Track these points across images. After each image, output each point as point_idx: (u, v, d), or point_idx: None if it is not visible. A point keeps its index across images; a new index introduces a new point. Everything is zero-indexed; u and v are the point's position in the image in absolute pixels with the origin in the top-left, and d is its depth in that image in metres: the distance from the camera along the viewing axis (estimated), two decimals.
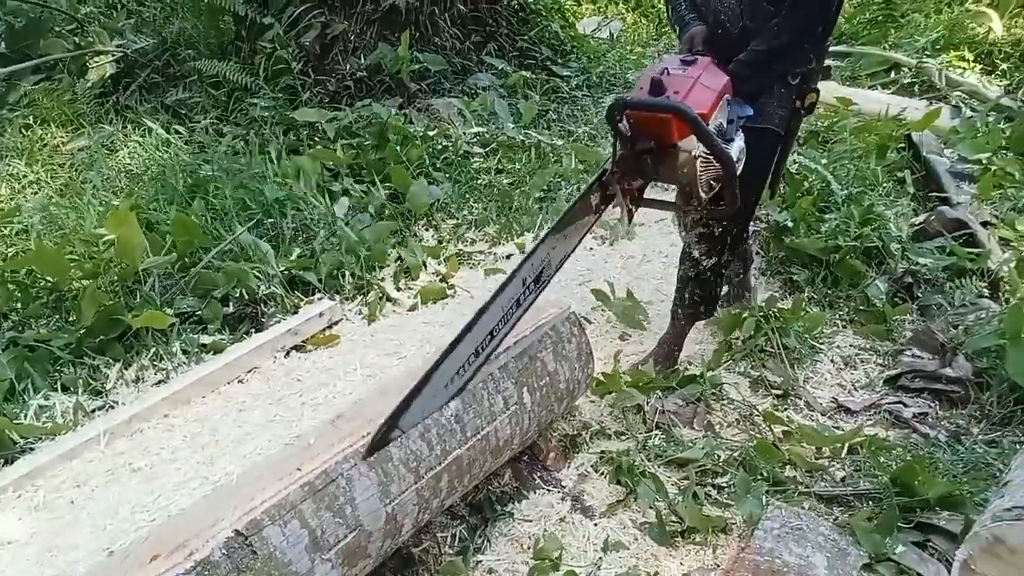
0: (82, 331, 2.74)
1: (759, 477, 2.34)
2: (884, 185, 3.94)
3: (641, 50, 6.45)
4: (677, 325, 2.85)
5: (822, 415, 2.70)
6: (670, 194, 2.67)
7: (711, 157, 2.08)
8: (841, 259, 3.29)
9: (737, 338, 2.96)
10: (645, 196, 2.32)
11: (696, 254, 2.67)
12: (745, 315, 2.96)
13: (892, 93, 5.33)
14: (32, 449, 2.41)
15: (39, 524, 2.05)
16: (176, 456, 2.23)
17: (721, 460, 2.42)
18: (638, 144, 2.13)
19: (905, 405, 2.71)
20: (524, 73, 5.20)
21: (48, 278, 2.93)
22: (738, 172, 2.14)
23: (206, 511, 1.62)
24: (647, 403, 2.63)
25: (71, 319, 2.86)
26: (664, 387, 2.68)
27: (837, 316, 3.18)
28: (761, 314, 2.95)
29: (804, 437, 2.50)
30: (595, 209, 2.22)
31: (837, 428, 2.63)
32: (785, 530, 2.11)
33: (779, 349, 2.91)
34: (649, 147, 2.12)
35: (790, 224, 3.47)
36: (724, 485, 2.35)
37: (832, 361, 2.97)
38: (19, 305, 2.94)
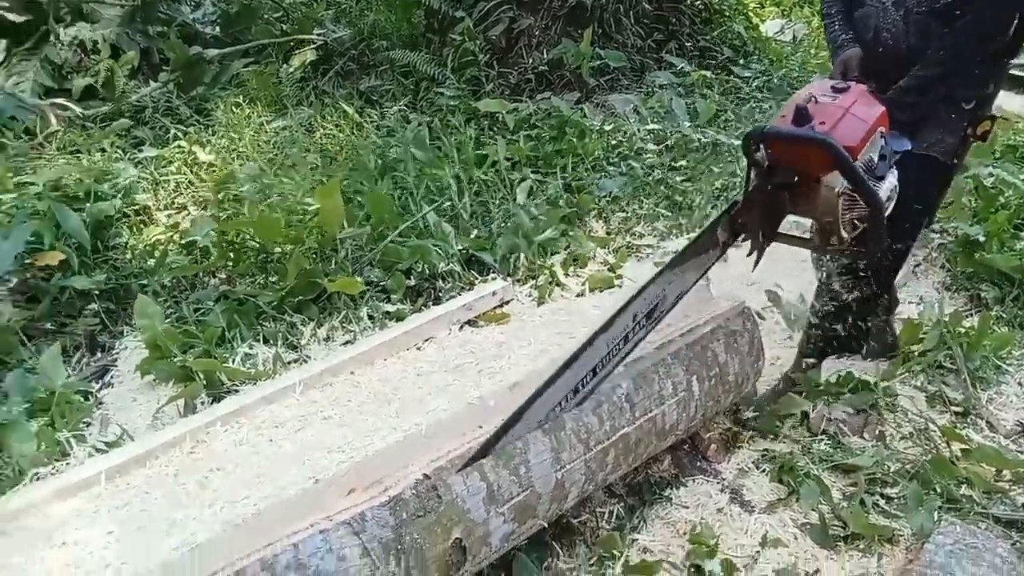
0: (284, 291, 3.02)
1: (932, 492, 2.27)
2: None
3: (825, 54, 6.26)
4: (802, 364, 2.66)
5: (1005, 438, 2.57)
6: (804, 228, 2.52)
7: (856, 195, 1.92)
8: None
9: (915, 351, 2.87)
10: (779, 232, 2.15)
11: (837, 286, 2.48)
12: (927, 327, 2.85)
13: None
14: (237, 391, 2.69)
15: (242, 456, 2.29)
16: (363, 409, 2.43)
17: (891, 471, 2.37)
18: (776, 177, 1.98)
19: None
20: (704, 72, 5.20)
21: (258, 240, 3.25)
22: (887, 213, 1.96)
23: (398, 454, 1.78)
24: (812, 409, 2.60)
25: (274, 279, 3.15)
26: (832, 393, 2.64)
27: None
28: (944, 329, 2.84)
29: (984, 457, 2.39)
30: (721, 244, 2.07)
31: (1021, 453, 2.50)
32: (959, 547, 2.03)
33: (962, 366, 2.79)
34: (787, 181, 1.97)
35: (982, 239, 3.31)
36: (893, 496, 2.30)
37: (1020, 384, 2.81)
38: (231, 263, 3.27)
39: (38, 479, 2.29)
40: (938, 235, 3.66)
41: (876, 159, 1.94)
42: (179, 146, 4.39)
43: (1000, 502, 2.28)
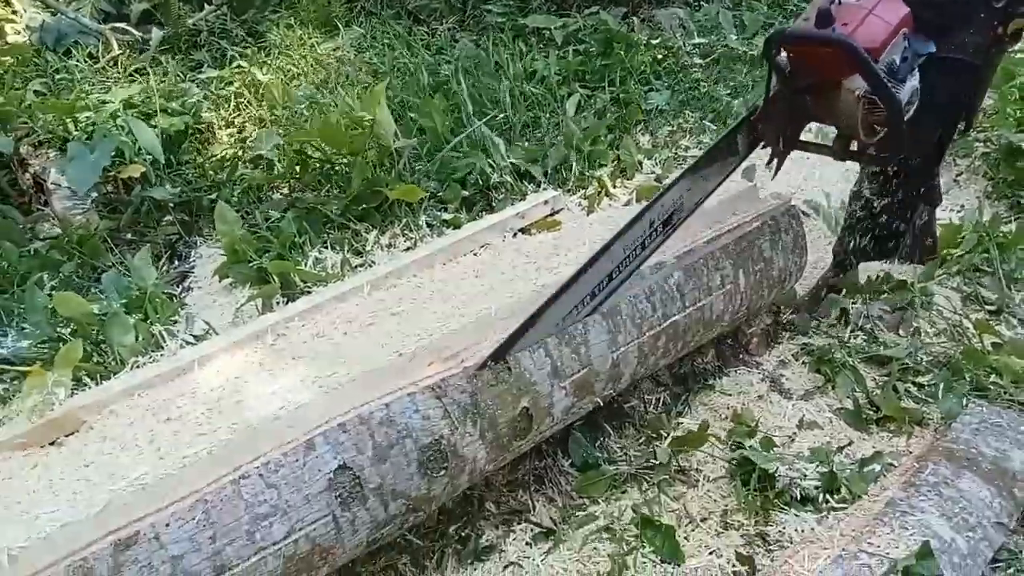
0: (349, 199, 3.20)
1: (962, 380, 2.42)
2: None
3: None
4: (840, 267, 2.74)
5: None
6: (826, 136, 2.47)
7: (876, 98, 1.90)
8: None
9: (952, 253, 2.98)
10: (800, 139, 2.16)
11: (868, 194, 2.53)
12: (965, 230, 2.96)
13: None
14: (309, 292, 2.90)
15: (321, 346, 2.50)
16: (428, 305, 2.60)
17: (924, 362, 2.52)
18: (797, 81, 1.98)
19: None
20: None
21: (322, 151, 3.42)
22: (907, 116, 1.96)
23: (472, 333, 1.97)
24: (852, 306, 2.75)
25: (338, 189, 3.34)
26: (871, 292, 2.77)
27: None
28: (983, 231, 2.95)
29: (1015, 350, 2.52)
30: (740, 150, 2.09)
31: None
32: (985, 425, 2.19)
33: (997, 267, 2.89)
34: (808, 84, 1.97)
35: None
36: (925, 384, 2.45)
37: None
38: (296, 175, 3.46)
39: (138, 367, 2.54)
40: (982, 144, 3.71)
41: (898, 61, 1.93)
42: (238, 67, 4.54)
43: None
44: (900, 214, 2.60)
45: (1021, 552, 1.93)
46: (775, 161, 2.19)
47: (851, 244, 2.71)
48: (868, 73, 1.85)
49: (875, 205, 2.55)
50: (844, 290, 2.76)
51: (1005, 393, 2.39)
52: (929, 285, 2.83)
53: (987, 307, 2.80)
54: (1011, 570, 1.89)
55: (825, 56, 1.88)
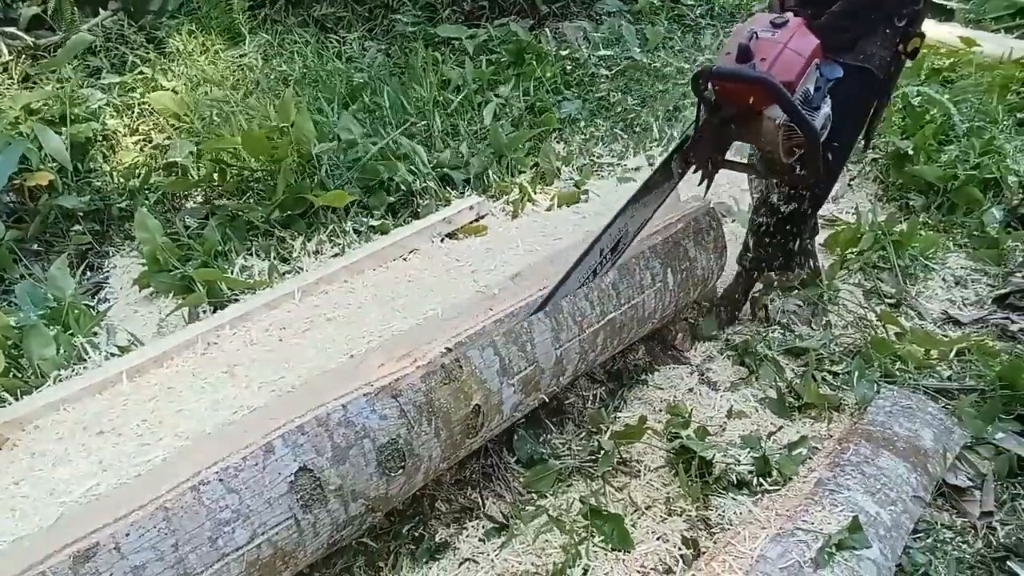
0: (274, 205, 3.15)
1: (872, 367, 2.60)
2: (1005, 122, 4.03)
3: None
4: (744, 275, 2.83)
5: (932, 324, 2.92)
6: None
7: (794, 125, 2.06)
8: (959, 187, 3.45)
9: (852, 252, 3.19)
10: (726, 159, 2.33)
11: (774, 199, 2.59)
12: (862, 230, 3.18)
13: (1017, 37, 5.30)
14: (238, 299, 2.84)
15: (258, 353, 2.46)
16: (364, 309, 2.61)
17: (837, 352, 2.69)
18: (723, 111, 2.14)
19: (1012, 321, 2.90)
20: None
21: (243, 158, 3.35)
22: (821, 140, 2.12)
23: (421, 334, 1.99)
24: (769, 302, 2.90)
25: (260, 196, 3.28)
26: (785, 288, 2.94)
27: (951, 240, 3.36)
28: (879, 231, 3.17)
29: (916, 339, 2.73)
30: (675, 175, 2.27)
31: (946, 336, 2.85)
32: (897, 408, 2.37)
33: (894, 264, 3.12)
34: (733, 114, 2.13)
35: (910, 152, 3.63)
36: (839, 372, 2.62)
37: (944, 280, 3.16)
38: (215, 181, 3.37)
39: (60, 381, 2.43)
40: (871, 150, 3.98)
41: (812, 90, 2.10)
42: (140, 72, 4.39)
43: (929, 376, 2.62)
44: (801, 222, 2.65)
45: (937, 523, 2.10)
46: (705, 181, 2.35)
47: (753, 254, 2.75)
48: (786, 105, 2.01)
49: (781, 212, 2.60)
50: (763, 287, 2.92)
51: (911, 378, 2.58)
52: (835, 282, 3.03)
53: (887, 300, 3.01)
54: (930, 540, 2.05)
55: (747, 90, 2.03)
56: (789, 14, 2.12)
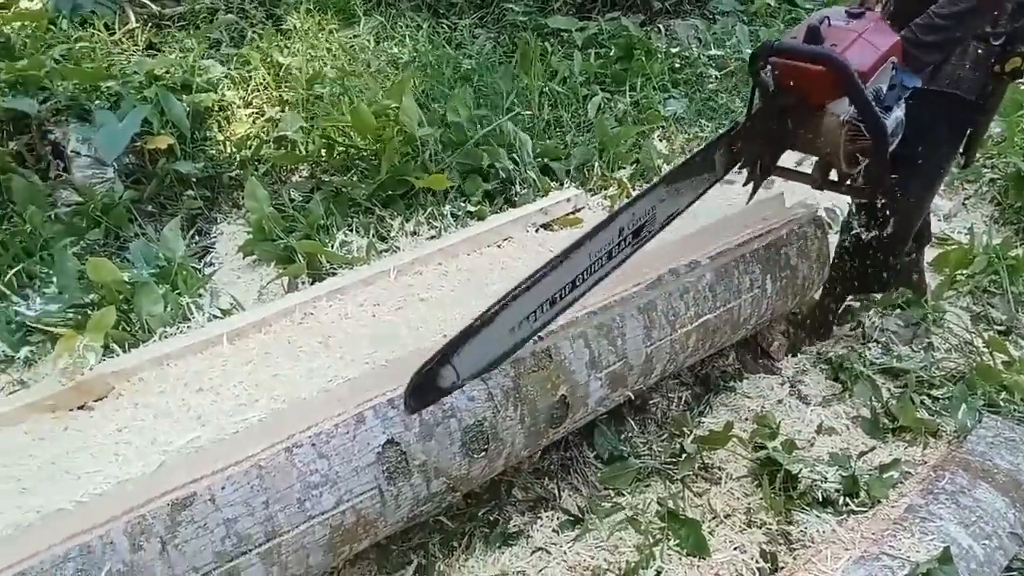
0: (376, 184, 3.22)
1: (975, 395, 2.49)
2: None
3: None
4: (829, 297, 2.68)
5: None
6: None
7: (861, 125, 1.82)
8: None
9: (962, 274, 3.06)
10: (778, 165, 2.07)
11: (855, 225, 2.45)
12: (975, 252, 3.04)
13: None
14: (335, 273, 2.92)
15: (351, 327, 2.51)
16: (456, 293, 2.63)
17: (938, 376, 2.58)
18: (780, 98, 1.88)
19: None
20: (768, 0, 5.26)
21: (350, 136, 3.43)
22: (891, 147, 1.88)
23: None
24: (868, 318, 2.81)
25: (365, 174, 3.36)
26: (885, 305, 2.83)
27: None
28: (993, 254, 3.03)
29: None
30: (717, 169, 1.92)
31: None
32: (999, 439, 2.26)
33: (1007, 289, 2.97)
34: (791, 103, 1.88)
35: None
36: (939, 397, 2.52)
37: None
38: (323, 157, 3.47)
39: (165, 338, 2.54)
40: (989, 170, 3.80)
41: (885, 89, 1.87)
42: (257, 47, 4.54)
43: None
44: (888, 249, 2.46)
45: None
46: (751, 185, 2.12)
47: (840, 276, 2.62)
48: (856, 94, 1.78)
49: (863, 238, 2.45)
50: (859, 303, 2.83)
51: (1016, 410, 2.46)
52: (941, 303, 2.91)
53: (996, 327, 2.87)
54: None
55: (812, 75, 1.80)
56: (867, 9, 1.93)
